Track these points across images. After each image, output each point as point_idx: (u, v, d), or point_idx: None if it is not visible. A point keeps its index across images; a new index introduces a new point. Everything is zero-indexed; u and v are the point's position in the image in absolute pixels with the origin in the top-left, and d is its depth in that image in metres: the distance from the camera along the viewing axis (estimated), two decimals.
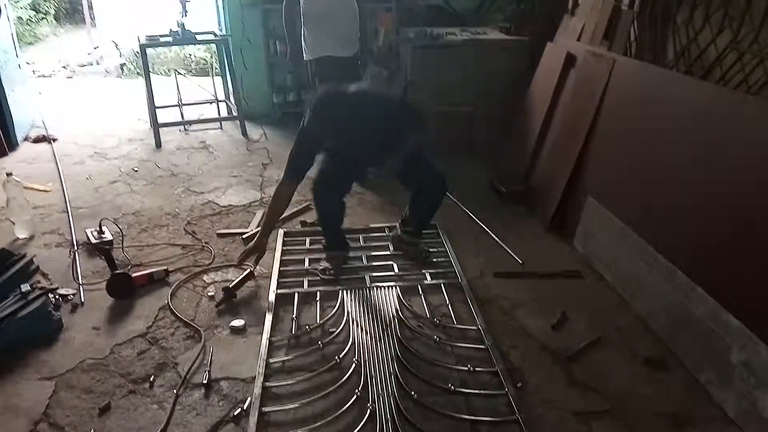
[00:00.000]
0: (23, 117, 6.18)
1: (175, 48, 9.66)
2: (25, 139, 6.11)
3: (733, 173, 2.64)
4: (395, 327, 2.95)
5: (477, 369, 2.69)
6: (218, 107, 6.78)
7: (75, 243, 3.81)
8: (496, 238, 3.91)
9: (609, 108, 3.65)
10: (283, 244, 3.81)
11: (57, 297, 3.12)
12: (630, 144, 3.41)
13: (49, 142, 5.98)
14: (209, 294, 3.30)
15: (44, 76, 9.78)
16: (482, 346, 2.85)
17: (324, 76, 4.58)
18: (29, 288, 2.97)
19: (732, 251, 2.57)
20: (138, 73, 9.69)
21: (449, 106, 5.33)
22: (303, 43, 4.65)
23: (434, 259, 3.67)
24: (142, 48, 5.87)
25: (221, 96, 6.86)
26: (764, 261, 2.39)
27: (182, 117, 6.46)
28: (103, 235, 3.71)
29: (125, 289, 3.23)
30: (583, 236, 3.74)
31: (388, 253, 3.74)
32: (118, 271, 3.26)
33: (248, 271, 3.40)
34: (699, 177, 2.84)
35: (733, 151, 2.66)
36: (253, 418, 2.37)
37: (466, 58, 5.26)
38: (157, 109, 6.07)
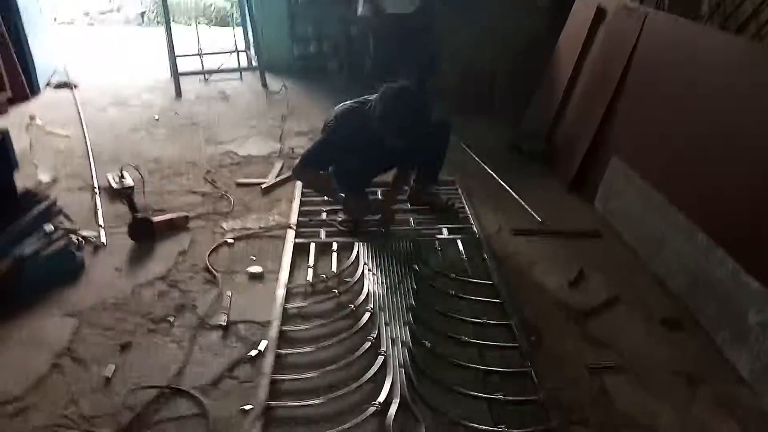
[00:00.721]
0: (45, 63, 6.19)
1: None
2: (47, 84, 6.13)
3: (765, 132, 2.56)
4: (410, 279, 2.96)
5: (491, 322, 2.71)
6: (238, 58, 6.72)
7: (97, 187, 3.84)
8: (515, 195, 3.88)
9: (639, 64, 3.55)
10: (302, 195, 3.81)
11: (79, 239, 3.16)
12: (659, 101, 3.33)
13: (71, 89, 6.00)
14: (228, 240, 3.33)
15: (65, 23, 9.75)
16: (497, 300, 2.86)
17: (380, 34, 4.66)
18: (52, 228, 3.01)
19: (756, 214, 2.52)
20: (158, 21, 9.63)
21: (470, 65, 5.24)
22: None
23: (457, 207, 3.67)
24: None
25: (241, 46, 6.79)
26: None
27: (202, 66, 6.41)
28: (124, 180, 3.74)
29: (146, 233, 3.27)
30: (605, 196, 3.69)
31: (405, 208, 3.73)
32: (139, 215, 3.29)
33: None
34: (729, 136, 2.77)
35: (766, 110, 2.58)
36: (269, 359, 2.41)
37: (487, 16, 5.14)
38: (177, 58, 6.04)
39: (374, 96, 3.16)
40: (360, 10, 4.97)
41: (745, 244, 2.54)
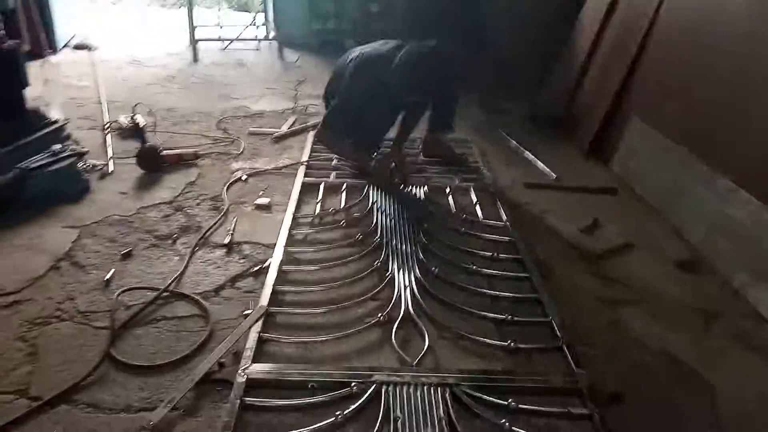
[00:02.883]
0: (65, 28, 6.21)
1: None
2: (66, 45, 6.15)
3: None
4: (420, 217, 2.89)
5: (501, 255, 2.63)
6: (257, 30, 6.71)
7: (108, 123, 3.82)
8: (530, 154, 3.81)
9: (661, 24, 3.49)
10: (314, 142, 3.76)
11: (87, 164, 3.13)
12: (679, 57, 3.26)
13: (89, 50, 6.02)
14: (242, 177, 3.28)
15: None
16: (507, 238, 2.78)
17: None
18: (60, 148, 2.98)
19: None
20: (181, 5, 9.68)
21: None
22: None
23: (471, 162, 3.61)
24: None
25: (261, 20, 6.79)
26: None
27: (221, 36, 6.41)
28: (136, 118, 3.71)
29: (154, 163, 3.24)
30: (622, 157, 3.62)
31: (419, 159, 3.67)
32: (148, 144, 3.26)
33: None
34: (749, 81, 2.69)
35: None
36: (272, 273, 2.35)
37: None
38: (196, 28, 6.05)
39: (389, 46, 3.10)
40: None
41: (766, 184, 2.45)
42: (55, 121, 3.19)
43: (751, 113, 2.66)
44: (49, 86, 3.96)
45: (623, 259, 2.71)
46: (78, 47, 6.10)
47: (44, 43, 5.60)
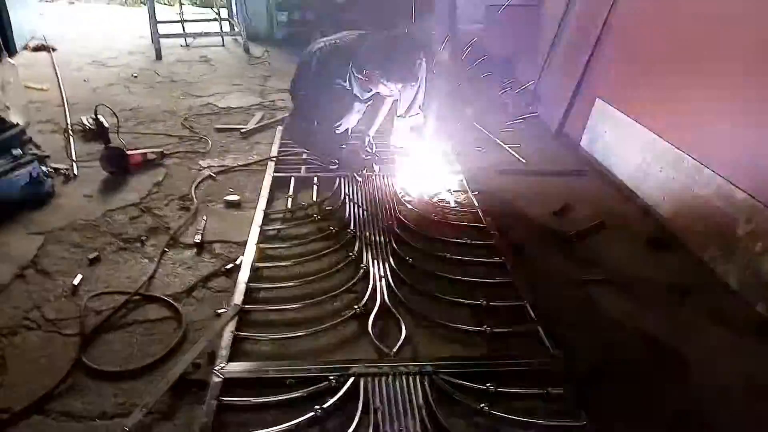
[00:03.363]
0: (22, 29, 6.04)
1: None
2: (24, 48, 5.98)
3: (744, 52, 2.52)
4: (393, 206, 2.89)
5: (474, 242, 2.63)
6: (221, 25, 6.62)
7: (70, 126, 3.72)
8: (497, 140, 3.82)
9: (621, 5, 3.51)
10: (282, 138, 3.72)
11: (49, 168, 3.04)
12: (640, 39, 3.29)
13: (49, 51, 5.86)
14: (212, 174, 3.23)
15: (47, 1, 9.55)
16: (480, 225, 2.79)
17: None
18: (21, 153, 2.90)
19: (738, 128, 2.48)
20: (142, 2, 9.48)
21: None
22: None
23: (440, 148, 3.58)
24: None
25: (224, 15, 6.70)
26: None
27: (183, 31, 6.30)
28: (98, 119, 3.62)
29: (119, 165, 3.17)
30: (589, 139, 3.65)
31: (389, 147, 3.65)
32: (112, 145, 3.19)
33: None
34: (705, 61, 2.73)
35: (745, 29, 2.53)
36: (245, 271, 2.32)
37: None
38: (158, 24, 5.93)
39: (353, 35, 3.08)
40: None
41: (729, 159, 2.49)
42: (15, 125, 3.08)
43: (710, 92, 2.69)
44: (7, 90, 3.83)
45: (595, 240, 2.73)
46: (37, 49, 5.95)
47: (1, 46, 5.43)
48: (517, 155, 3.63)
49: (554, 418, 1.71)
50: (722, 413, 1.79)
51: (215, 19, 6.60)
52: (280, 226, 2.73)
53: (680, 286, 2.38)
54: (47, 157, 3.04)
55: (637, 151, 3.14)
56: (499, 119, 4.24)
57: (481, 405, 1.71)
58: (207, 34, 6.40)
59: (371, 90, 3.02)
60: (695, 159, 2.69)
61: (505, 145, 3.76)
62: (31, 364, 1.88)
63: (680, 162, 2.78)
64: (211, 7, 8.38)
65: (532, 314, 2.12)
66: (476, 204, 2.97)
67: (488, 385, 1.78)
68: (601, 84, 3.63)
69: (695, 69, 2.81)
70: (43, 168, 2.97)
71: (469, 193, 3.11)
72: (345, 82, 3.02)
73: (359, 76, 2.95)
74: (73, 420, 1.69)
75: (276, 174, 3.23)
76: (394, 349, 1.94)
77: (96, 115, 3.62)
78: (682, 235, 2.72)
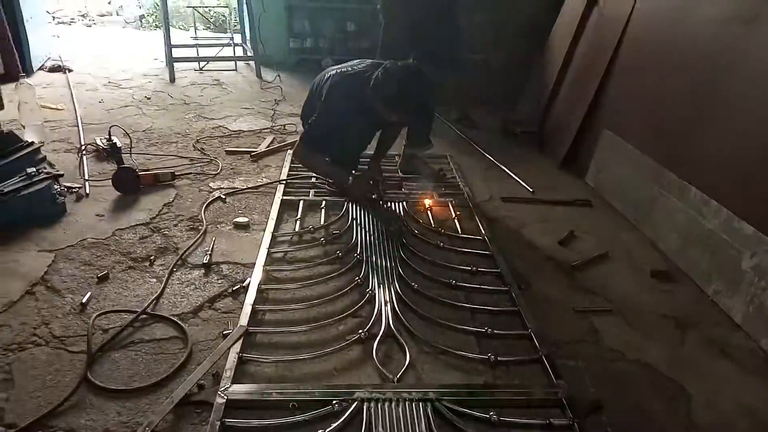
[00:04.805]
0: (41, 51, 6.18)
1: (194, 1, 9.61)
2: (41, 68, 6.11)
3: (751, 86, 2.56)
4: (400, 233, 2.91)
5: (480, 270, 2.65)
6: (234, 49, 6.74)
7: (83, 146, 3.79)
8: (505, 169, 3.86)
9: (630, 39, 3.58)
10: (291, 161, 3.77)
11: (62, 187, 3.10)
12: (648, 71, 3.35)
13: (64, 72, 5.98)
14: (221, 196, 3.28)
15: (63, 23, 9.78)
16: (486, 252, 2.81)
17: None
18: (35, 171, 2.95)
19: (747, 163, 2.51)
20: (157, 25, 9.68)
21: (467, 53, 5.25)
22: None
23: (448, 177, 3.63)
24: None
25: (238, 40, 6.82)
26: None
27: (197, 54, 6.42)
28: (112, 139, 3.68)
29: (131, 185, 3.21)
30: (596, 170, 3.68)
31: (397, 175, 3.69)
32: (124, 165, 3.24)
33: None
34: (717, 93, 2.77)
35: (752, 65, 2.58)
36: (252, 293, 2.34)
37: (484, 2, 5.17)
38: (173, 48, 6.05)
39: (365, 64, 3.14)
40: None
41: (737, 192, 2.51)
42: (30, 144, 3.15)
43: (717, 125, 2.73)
44: (23, 109, 3.92)
45: (599, 270, 2.75)
46: (53, 70, 6.07)
47: (18, 66, 5.55)
48: (523, 183, 3.66)
49: None
50: None
51: (229, 44, 6.72)
52: (288, 249, 2.76)
53: (684, 319, 2.38)
54: (61, 175, 3.09)
55: (642, 182, 3.17)
56: (505, 146, 4.30)
57: None
58: (220, 59, 6.50)
59: (382, 117, 3.06)
60: (701, 191, 2.71)
61: (511, 173, 3.80)
62: (37, 379, 1.89)
63: (686, 193, 2.80)
64: (225, 32, 8.63)
65: (537, 343, 2.13)
66: (482, 231, 2.99)
67: (491, 413, 1.78)
68: (609, 114, 3.67)
69: (703, 105, 2.85)
70: (57, 186, 3.02)
71: (476, 219, 3.13)
72: (356, 109, 3.07)
73: (370, 104, 3.00)
74: None
75: (285, 197, 3.27)
76: (398, 375, 1.95)
77: (110, 136, 3.68)
78: (687, 267, 2.73)
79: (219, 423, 1.69)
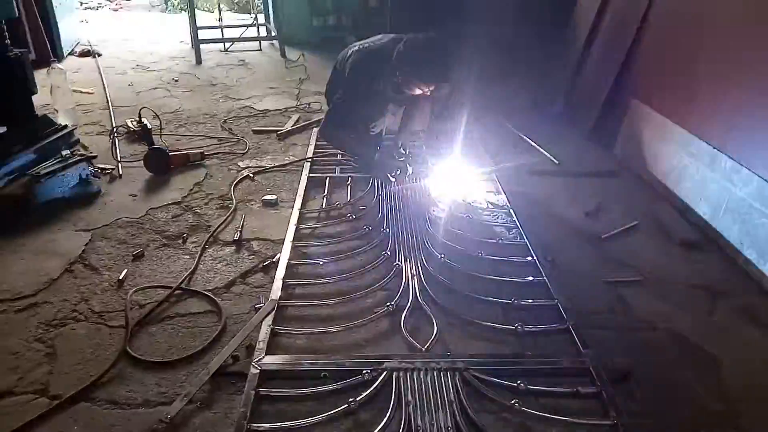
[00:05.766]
0: (70, 36, 6.30)
1: None
2: (71, 53, 6.22)
3: None
4: (426, 207, 2.93)
5: (505, 241, 2.66)
6: (258, 30, 6.76)
7: (114, 127, 3.87)
8: (530, 141, 3.83)
9: (658, 4, 3.49)
10: (317, 139, 3.79)
11: (96, 168, 3.18)
12: (678, 38, 3.26)
13: (94, 56, 6.09)
14: (250, 174, 3.33)
15: (91, 8, 9.90)
16: (512, 225, 2.81)
17: None
18: (69, 153, 3.03)
19: None
20: (182, 8, 9.73)
21: (491, 24, 5.17)
22: None
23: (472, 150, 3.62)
24: None
25: (261, 20, 6.83)
26: None
27: (222, 35, 6.46)
28: (142, 121, 3.75)
29: (162, 165, 3.28)
30: (624, 140, 3.63)
31: (422, 150, 3.69)
32: (155, 146, 3.31)
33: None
34: (744, 61, 2.70)
35: None
36: (281, 268, 2.39)
37: None
38: (198, 30, 6.09)
39: (387, 39, 3.11)
40: None
41: None
42: (64, 127, 3.23)
43: (749, 92, 2.66)
44: (56, 93, 4.02)
45: (628, 241, 2.73)
46: (83, 54, 6.18)
47: (49, 51, 5.66)
48: (549, 155, 3.63)
49: (584, 417, 1.72)
50: (753, 414, 1.78)
51: (253, 24, 6.74)
52: (315, 225, 2.80)
53: (714, 288, 2.36)
54: (94, 157, 3.17)
55: (672, 152, 3.12)
56: (531, 119, 4.25)
57: (512, 401, 1.73)
58: (245, 39, 6.53)
59: (405, 92, 3.06)
60: (733, 159, 2.66)
61: (537, 146, 3.77)
62: (78, 353, 1.98)
63: (717, 162, 2.75)
64: (249, 13, 8.63)
65: (564, 313, 2.14)
66: (508, 203, 2.99)
67: (518, 382, 1.81)
68: (636, 83, 3.60)
69: (734, 68, 2.78)
70: (90, 168, 3.11)
71: (502, 192, 3.12)
72: (379, 84, 3.07)
73: (394, 78, 3.00)
74: (117, 407, 1.77)
75: (311, 174, 3.31)
76: (427, 345, 1.98)
77: (140, 117, 3.75)
78: (717, 236, 2.69)
79: (254, 392, 1.75)
